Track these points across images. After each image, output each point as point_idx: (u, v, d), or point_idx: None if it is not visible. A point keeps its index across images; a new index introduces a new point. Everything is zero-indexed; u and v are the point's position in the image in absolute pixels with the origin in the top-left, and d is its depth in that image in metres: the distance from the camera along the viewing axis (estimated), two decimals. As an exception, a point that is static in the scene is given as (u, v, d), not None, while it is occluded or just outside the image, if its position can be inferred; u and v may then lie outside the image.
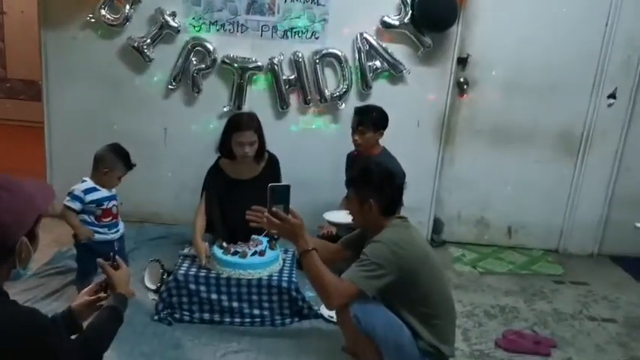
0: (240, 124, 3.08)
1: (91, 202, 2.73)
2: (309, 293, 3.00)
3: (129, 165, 2.81)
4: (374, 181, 2.30)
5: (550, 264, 3.86)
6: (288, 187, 2.20)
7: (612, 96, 3.77)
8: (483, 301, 3.27)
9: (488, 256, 3.91)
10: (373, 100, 3.68)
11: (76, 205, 2.70)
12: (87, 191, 2.72)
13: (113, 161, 2.76)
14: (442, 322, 2.27)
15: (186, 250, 3.01)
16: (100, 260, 1.81)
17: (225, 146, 3.11)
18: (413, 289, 2.20)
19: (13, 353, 1.27)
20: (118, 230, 2.86)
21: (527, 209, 4.02)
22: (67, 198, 2.71)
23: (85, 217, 2.75)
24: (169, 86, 3.69)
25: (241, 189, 3.12)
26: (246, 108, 3.72)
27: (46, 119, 3.78)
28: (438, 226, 4.04)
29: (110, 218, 2.81)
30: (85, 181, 2.76)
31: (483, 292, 3.39)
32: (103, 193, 2.77)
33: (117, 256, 1.83)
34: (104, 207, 2.77)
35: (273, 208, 2.15)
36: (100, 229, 2.78)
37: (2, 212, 1.30)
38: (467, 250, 3.97)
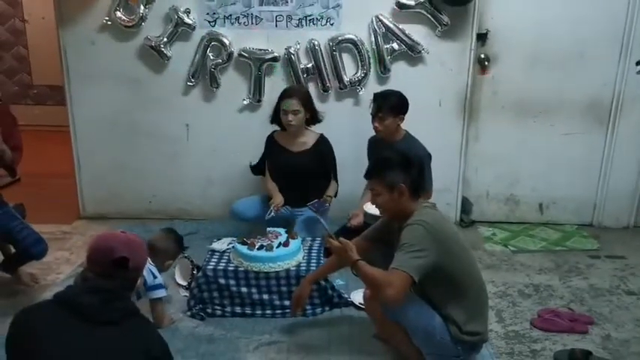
0: (286, 91, 3.38)
1: None
2: (339, 281, 3.01)
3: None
4: (398, 165, 2.27)
5: (584, 239, 3.77)
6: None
7: (641, 62, 3.64)
8: (517, 280, 3.22)
9: (519, 233, 3.85)
10: (393, 82, 3.64)
11: None
12: None
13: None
14: (475, 306, 2.24)
15: (214, 245, 3.03)
16: None
17: (276, 115, 3.41)
18: (446, 272, 2.16)
19: None
20: None
21: (558, 183, 3.93)
22: None
23: None
24: (188, 83, 3.71)
25: (290, 159, 3.42)
26: (265, 99, 3.72)
27: (71, 123, 3.84)
28: (466, 206, 3.98)
29: None
30: None
31: (516, 270, 3.34)
32: None
33: None
34: None
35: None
36: None
37: (144, 257, 1.91)
38: (497, 228, 3.91)
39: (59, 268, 3.28)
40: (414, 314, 2.18)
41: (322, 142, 3.46)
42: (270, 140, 3.51)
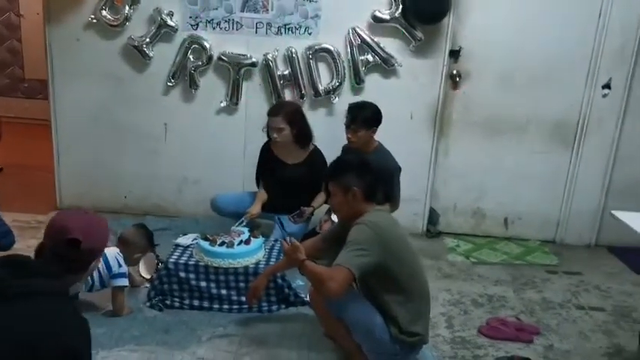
0: (272, 108, 3.48)
1: None
2: (299, 282, 3.10)
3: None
4: (353, 167, 2.38)
5: (545, 254, 3.87)
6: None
7: (607, 86, 3.76)
8: (472, 290, 3.31)
9: (483, 246, 3.95)
10: (366, 93, 3.75)
11: None
12: None
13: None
14: (418, 308, 2.33)
15: (179, 240, 3.13)
16: None
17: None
18: (390, 272, 2.24)
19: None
20: None
21: (523, 200, 4.03)
22: None
23: None
24: (168, 83, 3.82)
25: (283, 170, 3.48)
26: (242, 103, 3.83)
27: (53, 116, 3.95)
28: (433, 217, 4.08)
29: None
30: None
31: (473, 281, 3.43)
32: None
33: None
34: None
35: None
36: None
37: (103, 240, 1.82)
38: (462, 240, 4.01)
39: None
40: (356, 311, 2.27)
41: (315, 155, 3.50)
42: (266, 149, 3.56)
